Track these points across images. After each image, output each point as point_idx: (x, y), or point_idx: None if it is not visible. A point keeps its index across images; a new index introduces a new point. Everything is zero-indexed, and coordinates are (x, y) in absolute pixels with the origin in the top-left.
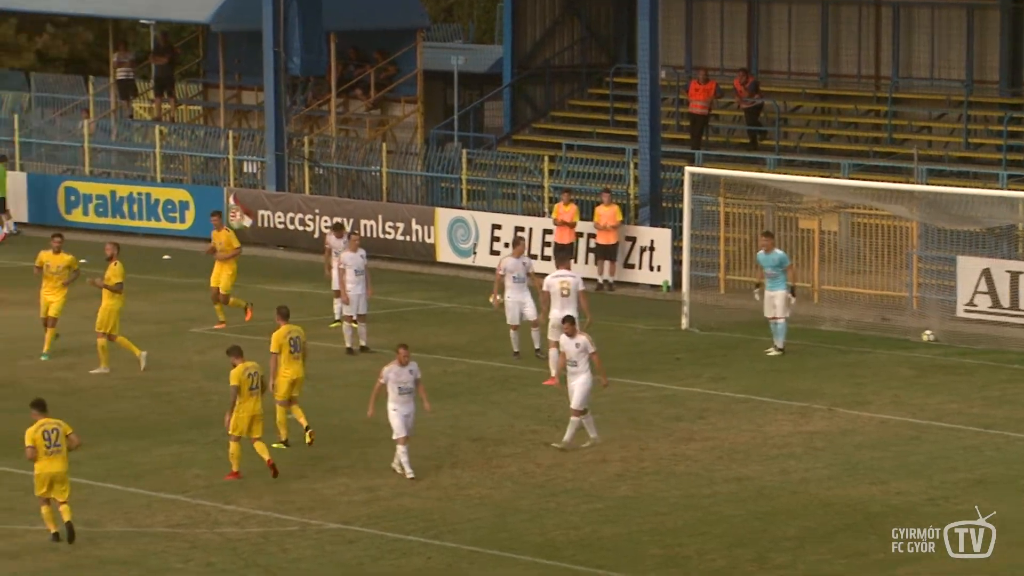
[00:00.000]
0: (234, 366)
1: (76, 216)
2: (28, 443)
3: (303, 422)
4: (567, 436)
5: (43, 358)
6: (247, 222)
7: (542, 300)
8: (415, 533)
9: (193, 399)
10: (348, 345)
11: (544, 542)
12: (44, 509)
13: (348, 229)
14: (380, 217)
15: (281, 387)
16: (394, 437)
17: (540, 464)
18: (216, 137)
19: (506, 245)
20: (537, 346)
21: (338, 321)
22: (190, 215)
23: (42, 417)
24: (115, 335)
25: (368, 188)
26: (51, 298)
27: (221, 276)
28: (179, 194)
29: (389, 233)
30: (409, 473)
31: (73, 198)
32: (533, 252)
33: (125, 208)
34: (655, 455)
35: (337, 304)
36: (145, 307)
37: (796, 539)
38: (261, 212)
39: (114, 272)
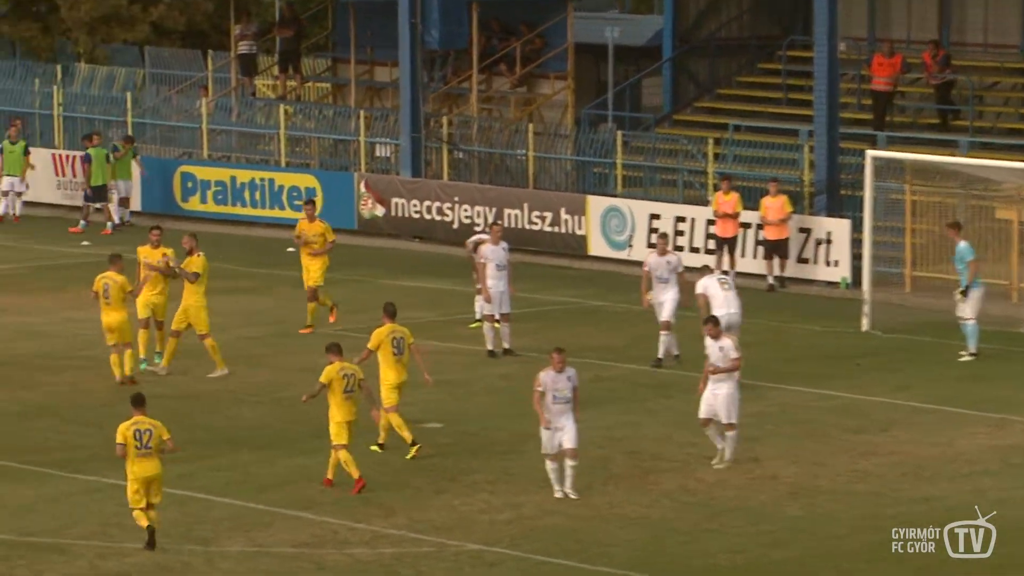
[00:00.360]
0: (330, 363)
1: (193, 204)
2: (119, 439)
3: (406, 435)
4: (727, 454)
5: (144, 367)
6: (379, 211)
7: (699, 305)
8: (563, 556)
9: (318, 406)
10: (489, 347)
11: (706, 566)
12: (137, 513)
13: (490, 220)
14: (526, 206)
15: (387, 394)
16: (543, 451)
17: (701, 481)
18: (346, 117)
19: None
20: (676, 351)
21: (479, 321)
22: (317, 203)
23: (139, 414)
24: (206, 334)
25: (512, 174)
26: (156, 300)
27: (311, 271)
28: (305, 180)
29: (535, 224)
30: (558, 492)
31: (190, 184)
32: (695, 245)
33: (246, 195)
34: (831, 472)
35: (478, 302)
36: (267, 304)
37: (993, 567)
38: (395, 200)
39: (195, 263)
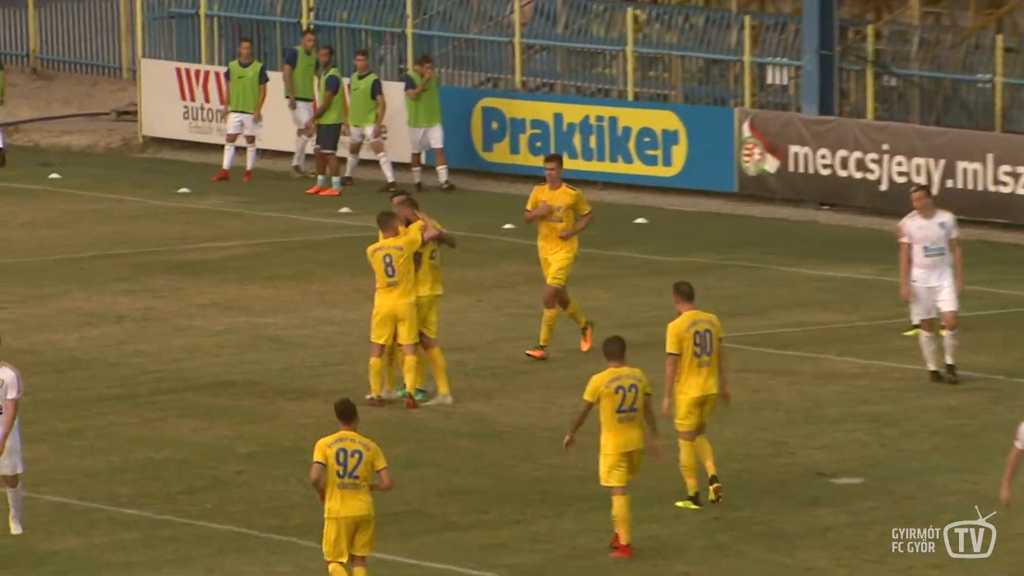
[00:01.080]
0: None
1: (499, 155)
2: (316, 457)
3: (710, 468)
4: None
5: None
6: (770, 164)
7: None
8: None
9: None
10: (931, 367)
11: None
12: (335, 568)
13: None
14: (990, 158)
15: (681, 409)
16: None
17: None
18: (723, 27)
19: None
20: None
21: (916, 327)
22: (679, 153)
23: (346, 428)
24: (430, 337)
25: (971, 110)
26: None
27: (553, 259)
28: (663, 119)
29: (1004, 184)
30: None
31: (495, 125)
32: None
33: (576, 142)
34: None
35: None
36: (608, 301)
37: None
38: (793, 149)
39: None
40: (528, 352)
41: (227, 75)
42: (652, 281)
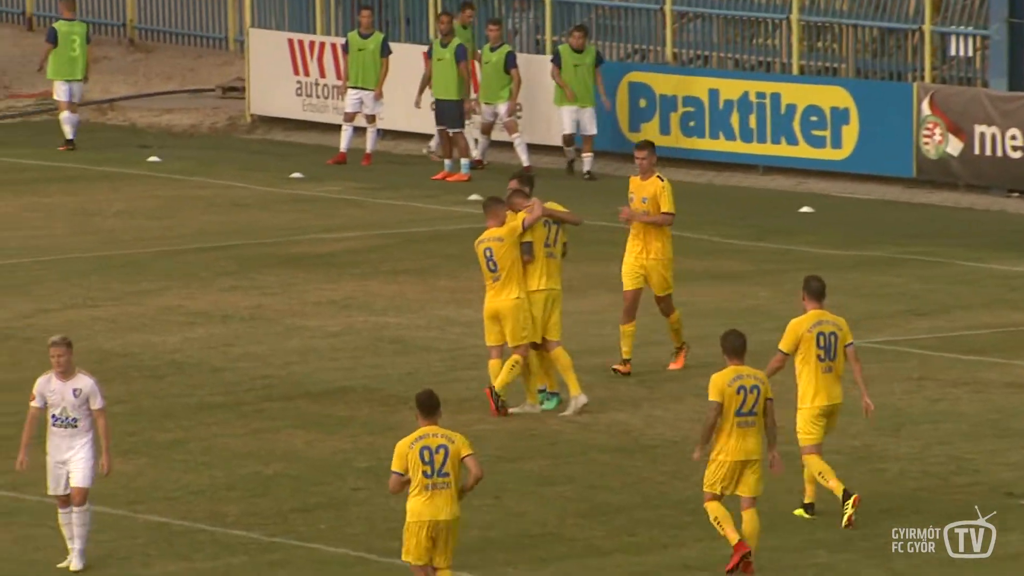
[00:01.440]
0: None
1: (647, 135)
2: (395, 466)
3: (833, 485)
4: None
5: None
6: (952, 147)
7: None
8: None
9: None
10: None
11: None
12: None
13: None
14: None
15: (804, 425)
16: None
17: None
18: None
19: None
20: None
21: None
22: (850, 133)
23: (427, 423)
24: (551, 339)
25: None
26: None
27: (652, 262)
28: (831, 95)
29: None
30: None
31: (643, 102)
32: None
33: (734, 121)
34: None
35: None
36: (768, 301)
37: None
38: (979, 129)
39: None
40: (615, 367)
41: (345, 47)
42: (826, 274)
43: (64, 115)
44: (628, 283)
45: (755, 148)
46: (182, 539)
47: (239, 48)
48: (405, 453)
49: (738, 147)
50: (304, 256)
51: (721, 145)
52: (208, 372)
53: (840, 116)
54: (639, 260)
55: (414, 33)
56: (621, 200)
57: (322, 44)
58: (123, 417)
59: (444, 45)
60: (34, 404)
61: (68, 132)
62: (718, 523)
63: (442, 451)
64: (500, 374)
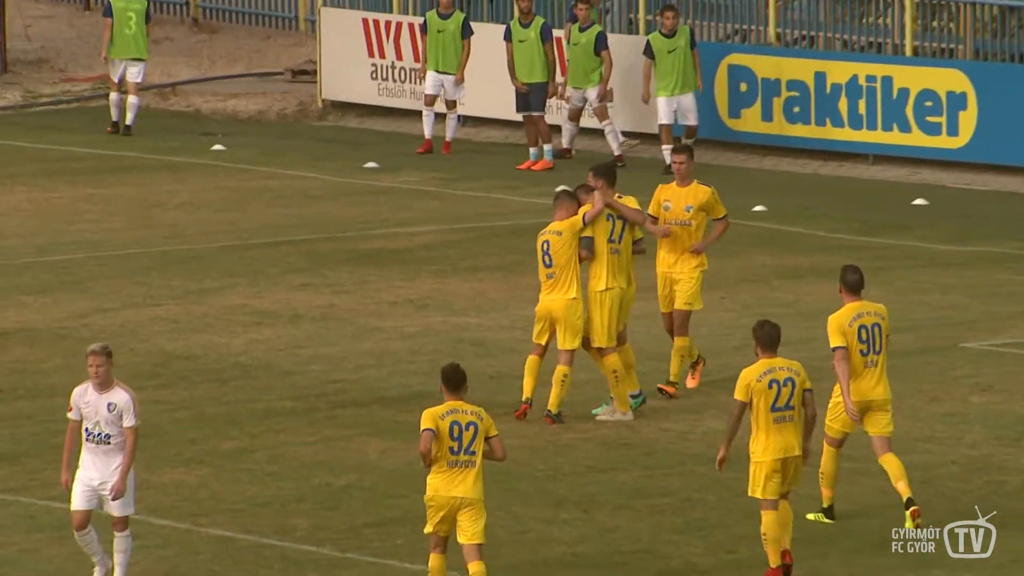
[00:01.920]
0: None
1: (748, 122)
2: (426, 423)
3: (903, 489)
4: None
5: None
6: None
7: None
8: None
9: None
10: None
11: None
12: (433, 560)
13: None
14: None
15: (831, 411)
16: None
17: None
18: None
19: None
20: None
21: None
22: (968, 120)
23: (453, 398)
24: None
25: None
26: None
27: (681, 279)
28: (948, 79)
29: None
30: None
31: (744, 87)
32: None
33: (842, 106)
34: None
35: None
36: (878, 300)
37: None
38: None
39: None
40: (660, 387)
41: (423, 27)
42: (933, 275)
43: (113, 96)
44: (664, 306)
45: (864, 136)
46: (248, 554)
47: (310, 28)
48: (436, 419)
49: (846, 135)
50: (378, 252)
51: (828, 132)
52: (276, 376)
53: (957, 101)
54: (667, 277)
55: (497, 13)
56: (720, 189)
57: (399, 24)
58: (185, 424)
59: (525, 25)
60: (71, 416)
61: (114, 114)
62: (765, 540)
63: (472, 428)
64: (551, 394)
